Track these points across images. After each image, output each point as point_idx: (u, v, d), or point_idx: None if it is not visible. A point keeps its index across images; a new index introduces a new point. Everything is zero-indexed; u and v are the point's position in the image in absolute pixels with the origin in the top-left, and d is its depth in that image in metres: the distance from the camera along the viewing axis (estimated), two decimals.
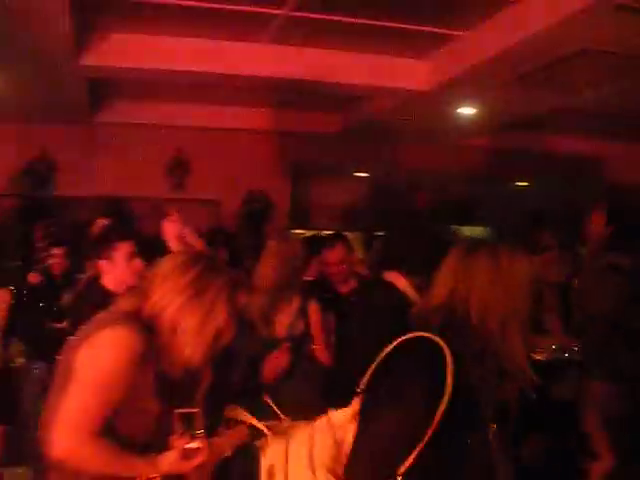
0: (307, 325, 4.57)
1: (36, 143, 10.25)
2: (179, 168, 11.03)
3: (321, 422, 2.54)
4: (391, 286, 3.79)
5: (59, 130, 10.22)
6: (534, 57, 6.75)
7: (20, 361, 6.08)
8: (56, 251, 6.61)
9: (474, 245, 2.50)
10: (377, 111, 9.46)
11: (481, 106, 9.00)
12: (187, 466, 2.58)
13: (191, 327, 2.56)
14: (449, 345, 2.25)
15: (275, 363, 4.40)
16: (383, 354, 2.38)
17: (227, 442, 2.86)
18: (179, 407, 2.59)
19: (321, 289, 5.31)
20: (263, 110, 10.54)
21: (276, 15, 6.79)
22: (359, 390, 2.44)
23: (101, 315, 2.61)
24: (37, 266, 6.78)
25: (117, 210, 9.86)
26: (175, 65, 7.53)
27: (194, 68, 7.61)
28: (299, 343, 4.54)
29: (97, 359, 2.43)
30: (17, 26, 6.15)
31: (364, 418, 2.38)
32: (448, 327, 2.32)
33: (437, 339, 2.27)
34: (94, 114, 10.12)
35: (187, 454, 2.57)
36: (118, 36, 7.28)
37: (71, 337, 2.64)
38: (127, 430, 2.51)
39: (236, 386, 4.07)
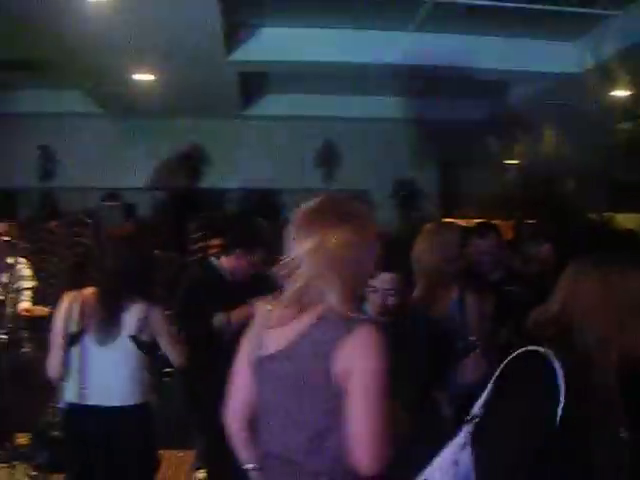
0: (465, 315, 4.34)
1: (188, 137, 10.59)
2: (329, 159, 11.17)
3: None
4: None
5: (211, 124, 10.53)
6: None
7: None
8: (215, 241, 6.78)
9: (587, 264, 2.45)
10: (526, 96, 9.28)
11: (634, 88, 8.69)
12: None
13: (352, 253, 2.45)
14: (561, 359, 2.23)
15: (470, 367, 4.14)
16: (495, 377, 2.38)
17: None
18: None
19: (471, 278, 5.20)
20: (410, 98, 10.49)
21: (422, 2, 6.78)
22: (470, 418, 2.40)
23: (329, 314, 2.39)
24: (193, 257, 6.98)
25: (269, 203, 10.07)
26: (323, 56, 7.64)
27: (341, 59, 7.70)
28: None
29: (374, 365, 2.31)
30: (169, 22, 6.39)
31: (478, 446, 2.33)
32: (560, 341, 2.30)
33: (549, 355, 2.24)
34: (245, 107, 10.38)
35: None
36: (267, 30, 7.48)
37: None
38: None
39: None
